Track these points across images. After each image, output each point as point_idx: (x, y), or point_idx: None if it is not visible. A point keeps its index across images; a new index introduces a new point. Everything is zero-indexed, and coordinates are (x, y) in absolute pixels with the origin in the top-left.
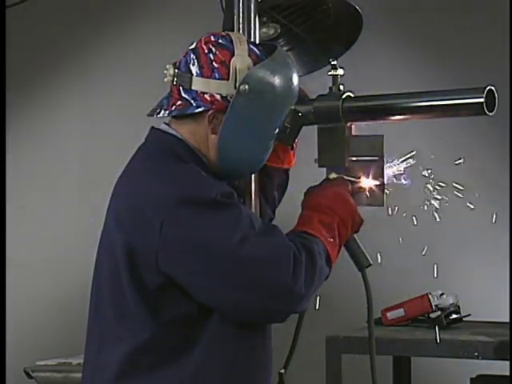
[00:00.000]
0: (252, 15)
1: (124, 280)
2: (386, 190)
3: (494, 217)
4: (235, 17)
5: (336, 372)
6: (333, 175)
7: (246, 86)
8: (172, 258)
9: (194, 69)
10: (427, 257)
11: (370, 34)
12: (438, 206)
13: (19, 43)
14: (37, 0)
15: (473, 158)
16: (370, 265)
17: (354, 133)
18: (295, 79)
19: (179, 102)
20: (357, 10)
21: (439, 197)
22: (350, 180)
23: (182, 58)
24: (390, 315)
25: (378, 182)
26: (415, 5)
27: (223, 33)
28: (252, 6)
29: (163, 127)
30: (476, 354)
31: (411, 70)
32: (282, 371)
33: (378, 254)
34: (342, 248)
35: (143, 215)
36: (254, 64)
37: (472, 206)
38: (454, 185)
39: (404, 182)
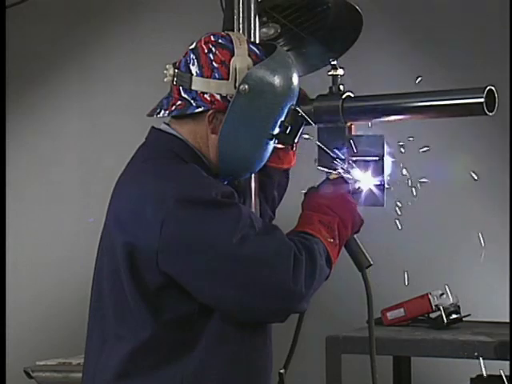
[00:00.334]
0: (252, 15)
1: (124, 280)
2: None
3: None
4: (235, 17)
5: (336, 372)
6: (333, 175)
7: (246, 86)
8: (172, 257)
9: (194, 69)
10: (427, 257)
11: (370, 33)
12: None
13: (19, 43)
14: (37, 0)
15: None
16: (371, 265)
17: (354, 133)
18: (295, 79)
19: (179, 102)
20: (357, 9)
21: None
22: (350, 180)
23: (182, 58)
24: (390, 315)
25: (377, 182)
26: (415, 5)
27: (223, 33)
28: (252, 6)
29: (163, 127)
30: (476, 354)
31: (411, 70)
32: (282, 371)
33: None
34: (342, 248)
35: (143, 215)
36: (254, 64)
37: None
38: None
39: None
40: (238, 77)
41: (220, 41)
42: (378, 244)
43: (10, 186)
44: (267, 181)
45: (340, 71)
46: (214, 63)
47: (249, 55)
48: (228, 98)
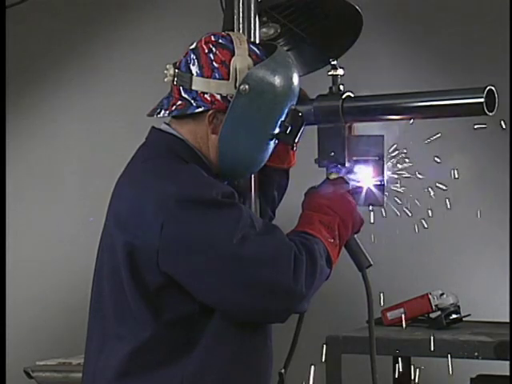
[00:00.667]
0: (252, 15)
1: (124, 280)
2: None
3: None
4: (235, 17)
5: (336, 372)
6: (333, 175)
7: (246, 86)
8: (173, 257)
9: (194, 69)
10: (427, 257)
11: (370, 33)
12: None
13: (19, 43)
14: (37, 0)
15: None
16: (371, 265)
17: (353, 133)
18: (295, 79)
19: (179, 102)
20: (357, 10)
21: (439, 196)
22: (349, 180)
23: (182, 58)
24: (390, 315)
25: (378, 182)
26: (415, 5)
27: (223, 33)
28: (252, 6)
29: (163, 127)
30: (476, 354)
31: (411, 70)
32: (282, 371)
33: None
34: (343, 248)
35: (144, 215)
36: (254, 64)
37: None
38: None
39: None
40: (239, 77)
41: (220, 41)
42: (378, 244)
43: (10, 185)
44: (267, 181)
45: (340, 71)
46: (214, 63)
47: (249, 55)
48: (228, 98)
